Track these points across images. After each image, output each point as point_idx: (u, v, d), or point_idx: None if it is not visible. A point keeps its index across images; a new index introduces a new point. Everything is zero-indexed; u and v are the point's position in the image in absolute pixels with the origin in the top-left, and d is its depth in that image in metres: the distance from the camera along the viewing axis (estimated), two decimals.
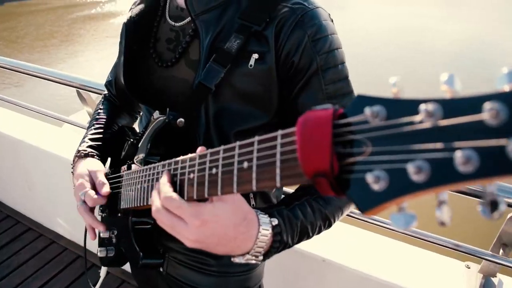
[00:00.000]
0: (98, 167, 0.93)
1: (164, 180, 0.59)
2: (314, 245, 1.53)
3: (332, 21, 0.78)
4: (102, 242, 0.99)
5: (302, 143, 0.34)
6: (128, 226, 0.84)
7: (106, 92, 1.18)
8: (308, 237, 0.72)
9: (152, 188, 0.68)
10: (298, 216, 0.68)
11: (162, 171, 0.65)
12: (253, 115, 0.79)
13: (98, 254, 0.96)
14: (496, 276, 1.31)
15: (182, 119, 0.77)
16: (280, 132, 0.39)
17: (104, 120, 1.09)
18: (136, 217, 0.85)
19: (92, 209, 0.91)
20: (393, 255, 1.48)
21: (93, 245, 1.06)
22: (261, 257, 0.61)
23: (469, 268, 1.41)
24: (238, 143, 0.46)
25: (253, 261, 0.60)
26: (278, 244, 0.63)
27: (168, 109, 0.77)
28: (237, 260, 0.60)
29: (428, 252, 1.50)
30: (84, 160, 0.95)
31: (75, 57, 10.61)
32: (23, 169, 2.43)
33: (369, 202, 0.31)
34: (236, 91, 0.76)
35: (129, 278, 2.08)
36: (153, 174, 0.69)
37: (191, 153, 0.86)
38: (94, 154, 0.99)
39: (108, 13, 16.05)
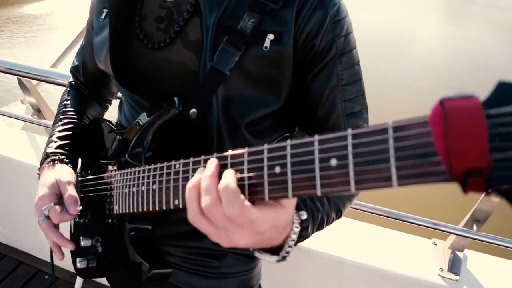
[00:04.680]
0: (68, 177, 0.79)
1: (231, 179, 0.46)
2: None
3: None
4: (81, 252, 0.86)
5: (451, 137, 0.29)
6: (124, 235, 0.74)
7: (71, 79, 1.03)
8: (321, 229, 0.68)
9: (169, 191, 0.59)
10: (318, 208, 0.65)
11: (184, 171, 0.56)
12: (263, 101, 0.73)
13: (78, 265, 0.84)
14: (462, 251, 1.40)
15: (195, 110, 0.68)
16: (391, 124, 0.34)
17: (72, 113, 0.96)
18: (133, 223, 0.74)
19: (57, 225, 0.78)
20: (367, 238, 1.51)
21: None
22: (285, 255, 0.56)
23: (435, 244, 1.49)
24: (317, 137, 0.39)
25: (273, 260, 0.56)
26: (302, 240, 0.58)
27: (176, 98, 0.68)
28: (258, 255, 0.56)
29: (396, 232, 1.56)
30: (53, 168, 0.82)
31: None
32: None
33: None
34: (248, 75, 0.69)
35: None
36: (168, 174, 0.59)
37: (204, 148, 0.77)
38: (65, 158, 0.85)
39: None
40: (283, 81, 0.71)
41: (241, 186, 0.47)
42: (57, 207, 0.74)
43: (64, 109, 0.96)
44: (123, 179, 0.73)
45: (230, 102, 0.71)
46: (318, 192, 0.39)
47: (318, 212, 0.64)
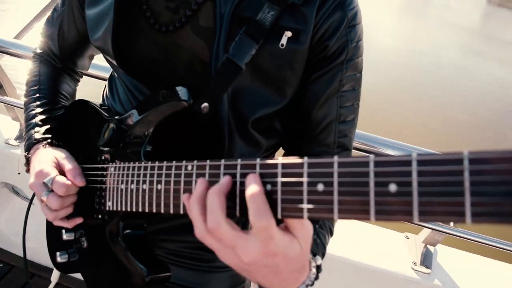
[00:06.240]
0: (66, 154, 0.75)
1: (258, 187, 0.43)
2: None
3: None
4: (62, 245, 0.80)
5: None
6: (117, 234, 0.68)
7: (38, 50, 0.92)
8: None
9: (178, 193, 0.54)
10: (324, 244, 0.65)
11: (199, 174, 0.51)
12: (270, 99, 0.70)
13: (58, 259, 0.78)
14: (435, 246, 1.45)
15: (207, 104, 0.63)
16: (466, 154, 0.31)
17: (48, 91, 0.88)
18: (126, 220, 0.69)
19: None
20: (340, 231, 1.53)
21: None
22: None
23: (408, 238, 1.54)
24: (372, 157, 0.36)
25: None
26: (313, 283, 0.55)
27: (185, 89, 0.62)
28: None
29: (366, 224, 1.59)
30: (47, 148, 0.76)
31: None
32: None
33: None
34: (259, 71, 0.66)
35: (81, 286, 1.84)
36: (178, 175, 0.53)
37: (213, 145, 0.72)
38: (57, 142, 0.79)
39: None
40: (292, 81, 0.68)
41: (271, 200, 0.43)
42: (60, 177, 0.69)
43: (39, 86, 0.87)
44: (118, 174, 0.67)
45: (238, 97, 0.67)
46: (372, 218, 0.36)
47: (325, 248, 0.64)
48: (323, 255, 0.62)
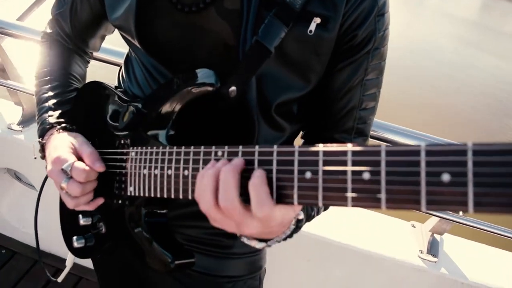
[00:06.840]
0: (83, 139, 0.74)
1: (260, 181, 0.46)
2: None
3: None
4: (78, 230, 0.80)
5: None
6: (140, 220, 0.68)
7: (48, 30, 0.90)
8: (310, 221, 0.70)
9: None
10: (313, 207, 0.66)
11: (229, 161, 0.50)
12: (295, 85, 0.69)
13: (75, 244, 0.78)
14: (442, 235, 1.47)
15: (234, 88, 0.62)
16: None
17: (60, 72, 0.86)
18: (148, 206, 0.68)
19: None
20: (347, 219, 1.54)
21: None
22: (272, 245, 0.59)
23: (414, 227, 1.55)
24: (424, 147, 0.36)
25: (259, 246, 0.58)
26: (291, 236, 0.59)
27: (213, 72, 0.61)
28: (245, 241, 0.58)
29: (373, 213, 1.60)
30: (63, 133, 0.75)
31: None
32: None
33: None
34: (285, 56, 0.65)
35: (87, 274, 1.84)
36: (207, 161, 0.52)
37: (240, 131, 0.71)
38: (73, 127, 0.77)
39: None
40: (317, 68, 0.68)
41: (311, 188, 0.43)
42: (79, 163, 0.68)
43: (50, 68, 0.85)
44: (140, 158, 0.66)
45: (263, 81, 0.67)
46: (423, 208, 0.35)
47: (312, 211, 0.66)
48: (308, 215, 0.64)
